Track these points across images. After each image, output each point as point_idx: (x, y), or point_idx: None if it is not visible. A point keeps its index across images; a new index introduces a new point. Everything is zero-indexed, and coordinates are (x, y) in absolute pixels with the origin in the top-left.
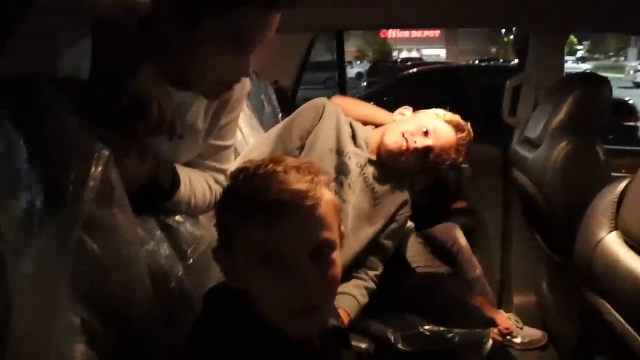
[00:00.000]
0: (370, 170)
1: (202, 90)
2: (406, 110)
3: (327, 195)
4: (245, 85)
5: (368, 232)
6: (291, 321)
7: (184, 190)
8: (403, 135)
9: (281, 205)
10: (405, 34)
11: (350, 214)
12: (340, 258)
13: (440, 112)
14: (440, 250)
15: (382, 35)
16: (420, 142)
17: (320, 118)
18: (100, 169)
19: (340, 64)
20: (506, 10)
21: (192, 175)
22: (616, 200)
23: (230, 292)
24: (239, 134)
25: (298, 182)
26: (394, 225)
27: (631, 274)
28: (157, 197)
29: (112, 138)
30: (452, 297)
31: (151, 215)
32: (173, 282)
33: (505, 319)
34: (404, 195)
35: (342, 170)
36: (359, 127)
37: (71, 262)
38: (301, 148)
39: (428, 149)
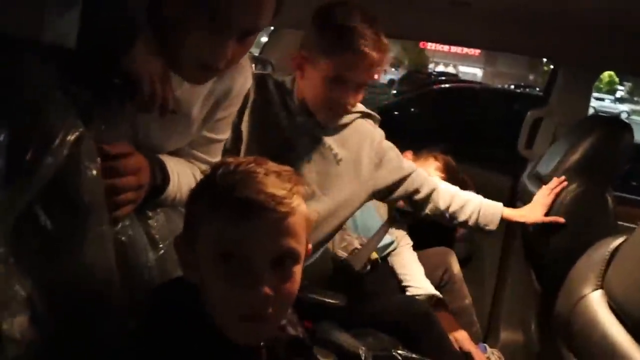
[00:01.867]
0: (315, 131)
1: (183, 72)
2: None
3: (302, 207)
4: (247, 80)
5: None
6: (237, 325)
7: (172, 187)
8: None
9: (254, 204)
10: (445, 48)
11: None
12: (300, 273)
13: None
14: (432, 274)
15: (421, 45)
16: None
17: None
18: (68, 141)
19: None
20: (538, 39)
21: (180, 170)
22: (607, 257)
23: (182, 287)
24: None
25: (275, 187)
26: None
27: (606, 340)
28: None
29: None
30: (429, 326)
31: None
32: (144, 270)
33: (481, 356)
34: (366, 141)
35: (287, 146)
36: (287, 81)
37: (18, 234)
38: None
39: None
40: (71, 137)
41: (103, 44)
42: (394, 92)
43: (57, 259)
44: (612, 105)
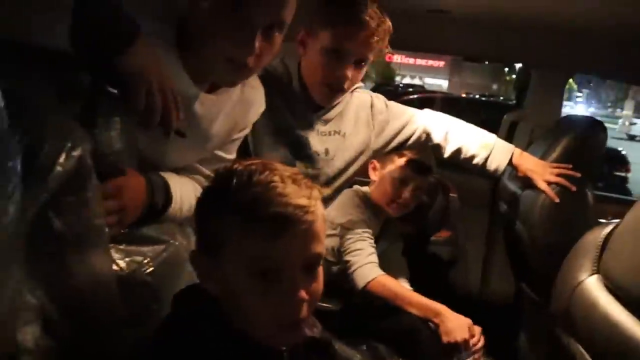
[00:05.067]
0: (318, 124)
1: (214, 72)
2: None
3: (321, 210)
4: (262, 105)
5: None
6: (275, 334)
7: (174, 207)
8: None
9: (284, 218)
10: (410, 60)
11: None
12: (322, 272)
13: None
14: None
15: (387, 59)
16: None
17: None
18: (76, 152)
19: None
20: (511, 45)
21: (183, 189)
22: (600, 243)
23: (201, 295)
24: None
25: (298, 196)
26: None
27: (608, 321)
28: (147, 214)
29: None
30: (421, 333)
31: None
32: (139, 281)
33: None
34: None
35: (299, 145)
36: (290, 66)
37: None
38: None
39: None
40: (79, 147)
41: (96, 42)
42: None
43: (69, 264)
44: (573, 111)
